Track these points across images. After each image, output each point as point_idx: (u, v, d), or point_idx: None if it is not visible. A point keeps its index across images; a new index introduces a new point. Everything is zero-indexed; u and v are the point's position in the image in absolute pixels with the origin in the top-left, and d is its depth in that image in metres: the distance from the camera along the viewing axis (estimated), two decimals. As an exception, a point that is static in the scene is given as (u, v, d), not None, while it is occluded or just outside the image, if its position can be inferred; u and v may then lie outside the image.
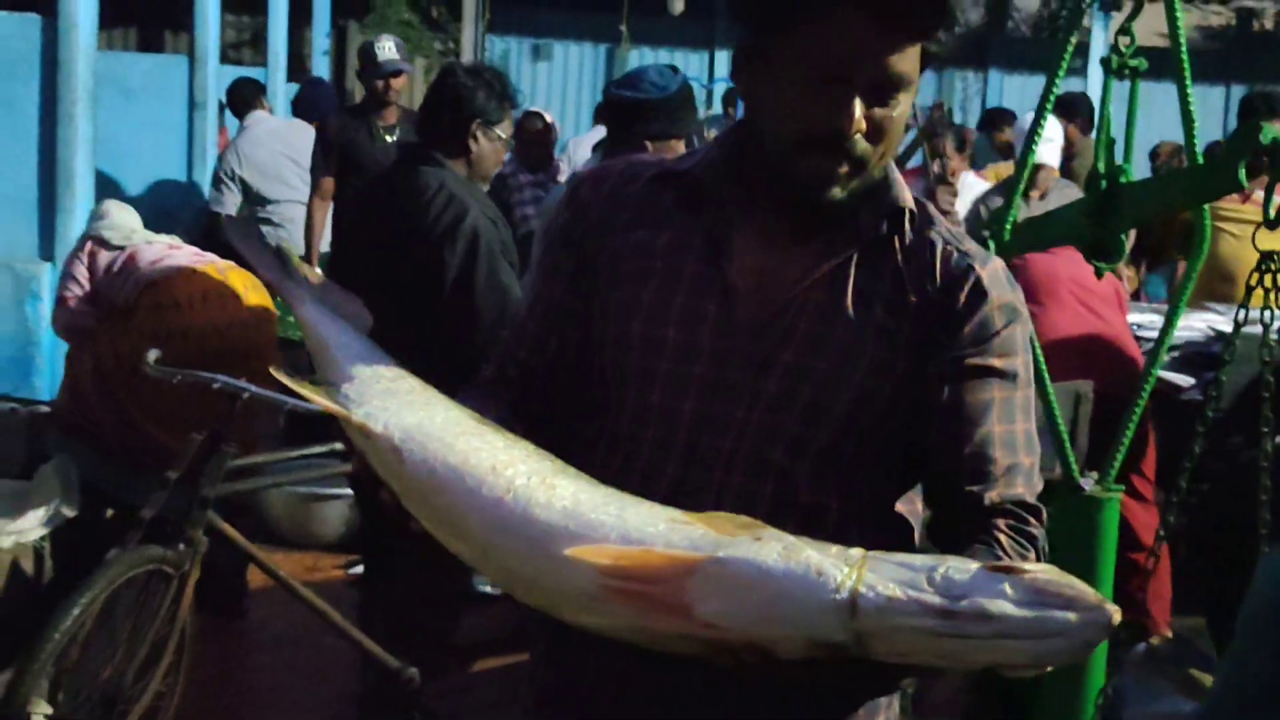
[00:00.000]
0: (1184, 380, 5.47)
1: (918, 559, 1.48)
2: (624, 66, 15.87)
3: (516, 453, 1.67)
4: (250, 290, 5.18)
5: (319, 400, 1.75)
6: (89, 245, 5.13)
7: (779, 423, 1.76)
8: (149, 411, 4.85)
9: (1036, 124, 3.35)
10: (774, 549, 1.48)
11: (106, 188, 7.49)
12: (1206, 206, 3.16)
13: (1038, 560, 1.73)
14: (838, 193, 1.75)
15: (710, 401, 1.77)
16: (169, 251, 5.10)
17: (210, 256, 5.30)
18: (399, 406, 1.73)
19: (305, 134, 8.38)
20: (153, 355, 4.10)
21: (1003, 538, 1.73)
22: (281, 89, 11.73)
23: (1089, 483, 3.09)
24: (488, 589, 5.14)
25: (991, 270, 1.82)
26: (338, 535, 6.07)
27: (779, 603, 1.45)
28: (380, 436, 1.70)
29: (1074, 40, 3.33)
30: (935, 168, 6.77)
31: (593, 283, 1.87)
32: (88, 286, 5.06)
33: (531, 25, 16.61)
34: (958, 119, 15.81)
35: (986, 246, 3.19)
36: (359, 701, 4.45)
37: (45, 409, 5.46)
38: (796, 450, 1.76)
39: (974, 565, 1.46)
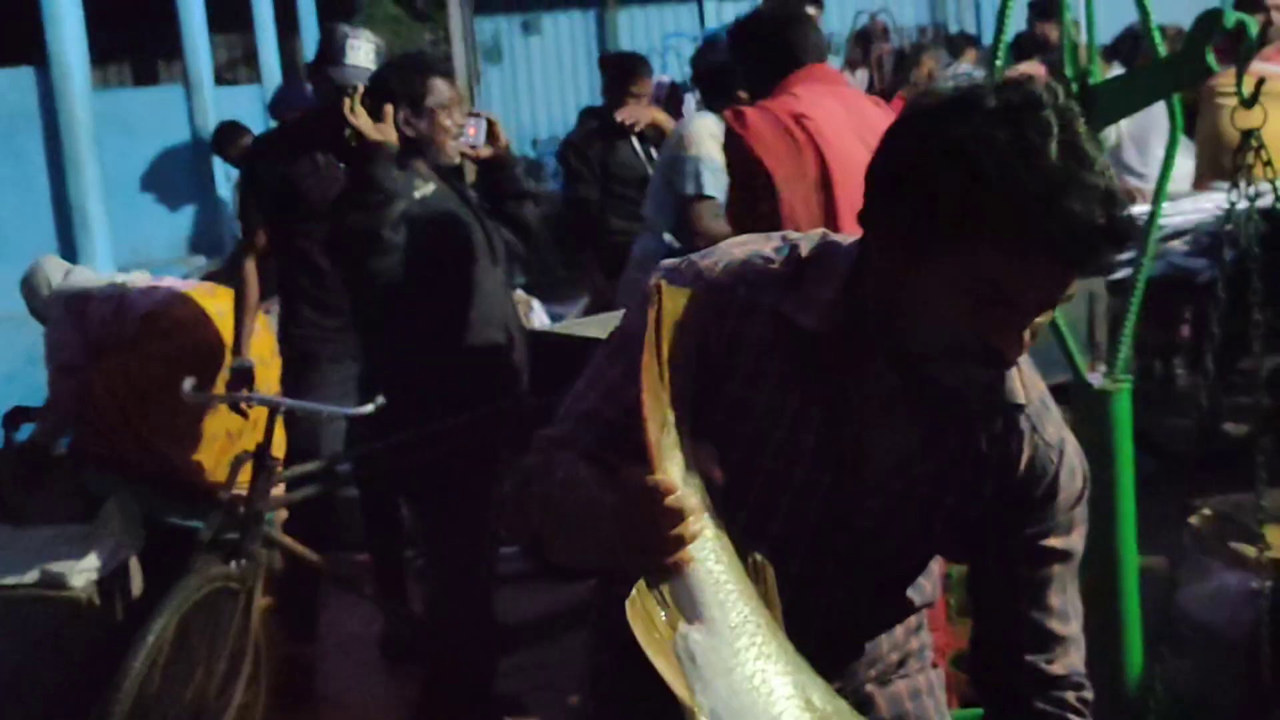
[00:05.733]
0: (1198, 264, 5.49)
1: None
2: (615, 30, 15.85)
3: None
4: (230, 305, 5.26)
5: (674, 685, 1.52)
6: (75, 305, 5.09)
7: (863, 580, 1.90)
8: (165, 433, 4.97)
9: (999, 34, 3.25)
10: None
11: (124, 226, 7.58)
12: (1178, 97, 3.19)
13: None
14: (974, 400, 1.74)
15: (810, 563, 1.84)
16: (155, 283, 5.21)
17: (192, 281, 5.46)
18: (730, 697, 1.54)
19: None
20: (188, 383, 4.18)
21: (1072, 716, 1.87)
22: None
23: (1097, 378, 3.14)
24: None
25: (1068, 461, 1.84)
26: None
27: None
28: None
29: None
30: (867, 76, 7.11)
31: (701, 414, 1.71)
32: (80, 340, 5.10)
33: (517, 1, 16.55)
34: (954, 28, 15.53)
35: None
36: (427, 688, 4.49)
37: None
38: (873, 592, 1.94)
39: None
